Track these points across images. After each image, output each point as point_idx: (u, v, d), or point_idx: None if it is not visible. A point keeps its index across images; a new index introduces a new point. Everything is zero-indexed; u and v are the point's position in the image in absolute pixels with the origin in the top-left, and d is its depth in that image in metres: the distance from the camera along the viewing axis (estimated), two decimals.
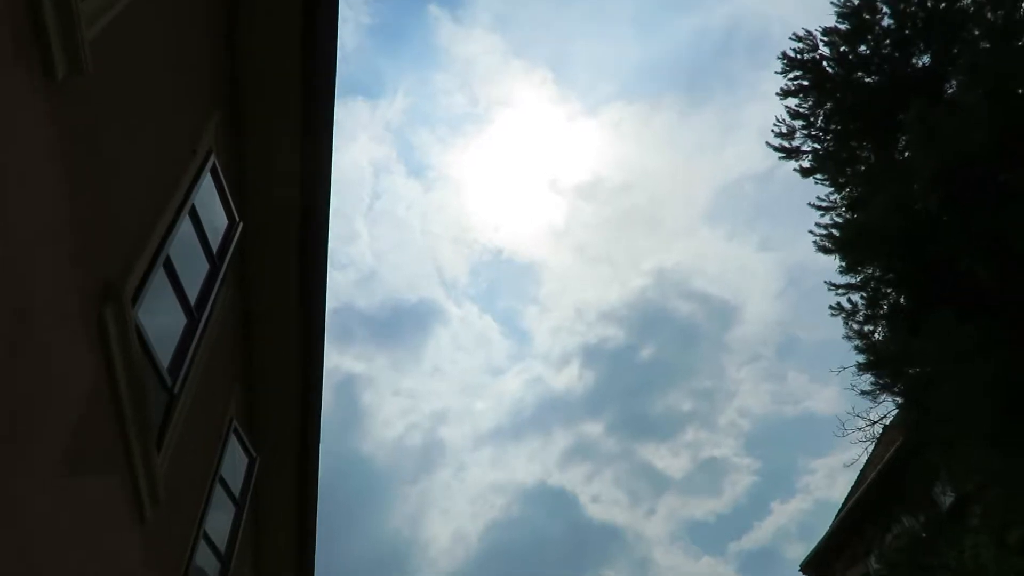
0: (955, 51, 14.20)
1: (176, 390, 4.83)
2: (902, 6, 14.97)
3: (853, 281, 14.61)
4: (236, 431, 7.27)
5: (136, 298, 4.15)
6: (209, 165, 5.30)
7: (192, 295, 5.07)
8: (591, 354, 47.66)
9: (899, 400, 13.82)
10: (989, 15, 13.80)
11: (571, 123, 44.24)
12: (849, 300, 14.54)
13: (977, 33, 13.85)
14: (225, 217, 5.74)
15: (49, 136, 3.16)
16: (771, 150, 16.08)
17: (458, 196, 48.92)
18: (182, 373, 4.88)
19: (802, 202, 16.30)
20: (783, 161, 16.08)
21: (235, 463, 7.33)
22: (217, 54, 5.57)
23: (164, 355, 4.65)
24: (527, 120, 44.43)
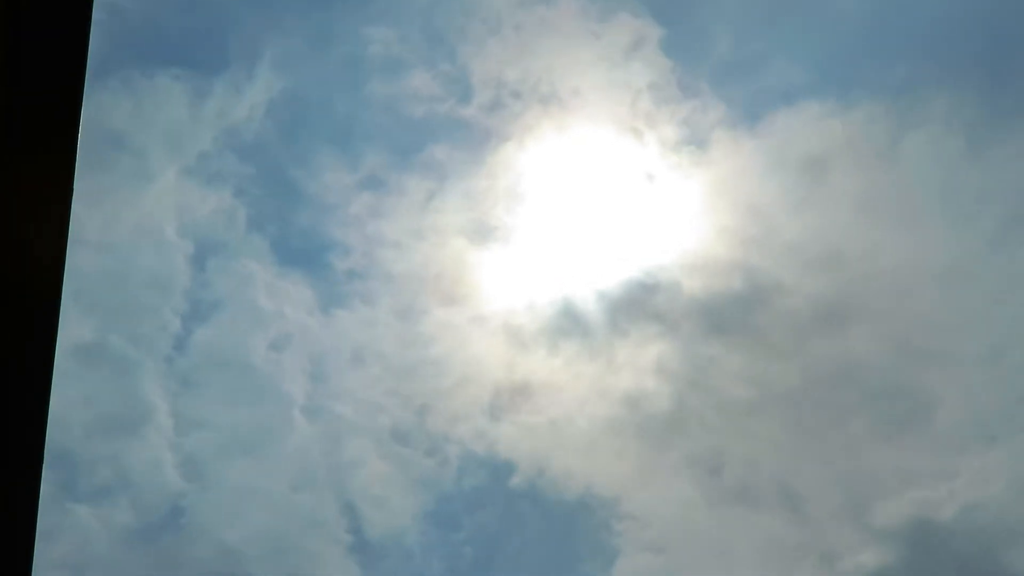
0: None
1: None
2: None
3: None
4: None
5: None
6: None
7: None
8: None
9: None
10: None
11: (706, 153, 11.58)
12: None
13: None
14: None
15: None
16: None
17: (409, 325, 11.63)
18: None
19: None
20: None
21: None
22: None
23: None
24: (596, 140, 11.29)
